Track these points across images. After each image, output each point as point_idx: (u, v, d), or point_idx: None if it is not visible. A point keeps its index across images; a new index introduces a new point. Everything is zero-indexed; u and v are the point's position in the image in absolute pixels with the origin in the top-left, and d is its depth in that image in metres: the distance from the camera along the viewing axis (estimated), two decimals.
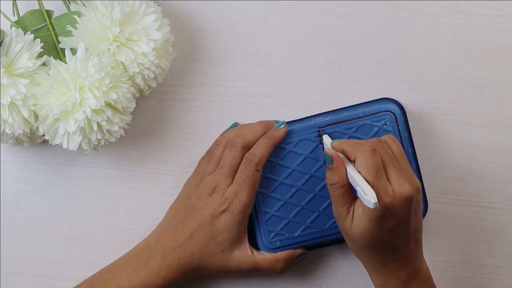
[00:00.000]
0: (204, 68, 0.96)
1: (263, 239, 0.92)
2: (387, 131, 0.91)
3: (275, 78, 0.96)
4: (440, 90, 0.97)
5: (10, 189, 0.95)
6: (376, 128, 0.91)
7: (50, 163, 0.95)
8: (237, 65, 0.96)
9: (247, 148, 0.90)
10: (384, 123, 0.91)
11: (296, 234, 0.92)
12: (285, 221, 0.92)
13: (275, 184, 0.92)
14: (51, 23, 0.89)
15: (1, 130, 0.85)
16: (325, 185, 0.91)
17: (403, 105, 0.94)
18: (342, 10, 0.96)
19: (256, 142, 0.90)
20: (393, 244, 0.84)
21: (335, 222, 0.91)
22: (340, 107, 0.95)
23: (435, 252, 0.96)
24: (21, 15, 0.89)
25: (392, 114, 0.92)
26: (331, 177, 0.84)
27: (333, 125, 0.92)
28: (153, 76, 0.88)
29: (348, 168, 0.84)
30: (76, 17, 0.87)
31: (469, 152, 0.96)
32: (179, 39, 0.95)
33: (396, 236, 0.84)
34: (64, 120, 0.85)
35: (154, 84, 0.90)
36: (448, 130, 0.96)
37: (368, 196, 0.81)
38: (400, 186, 0.83)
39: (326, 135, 0.89)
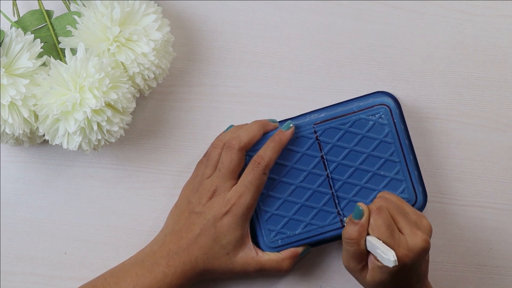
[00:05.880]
0: (204, 68, 0.96)
1: (264, 238, 0.92)
2: (383, 124, 0.91)
3: (275, 78, 0.96)
4: (440, 90, 0.97)
5: (10, 189, 0.95)
6: (371, 122, 0.91)
7: (50, 163, 0.95)
8: (237, 65, 0.96)
9: (244, 149, 0.89)
10: (379, 116, 0.92)
11: (297, 232, 0.92)
12: (286, 219, 0.92)
13: (273, 183, 0.92)
14: (51, 23, 0.89)
15: (1, 130, 0.85)
16: (323, 181, 0.91)
17: (398, 98, 0.94)
18: (342, 10, 0.96)
19: (253, 142, 0.90)
20: (408, 284, 0.85)
21: (335, 217, 0.92)
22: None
23: (435, 252, 0.96)
24: (21, 15, 0.89)
25: (387, 107, 0.92)
26: (351, 231, 0.84)
27: (328, 121, 0.92)
28: (153, 76, 0.88)
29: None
30: (76, 17, 0.87)
31: (469, 152, 0.96)
32: (179, 39, 0.95)
33: (410, 278, 0.85)
34: (64, 120, 0.85)
35: (154, 84, 0.90)
36: (448, 130, 0.96)
37: (387, 255, 0.81)
38: (413, 236, 0.83)
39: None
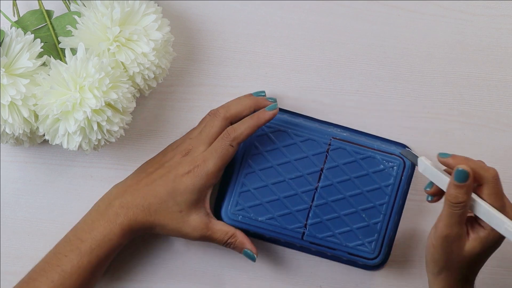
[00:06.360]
0: (204, 68, 0.96)
1: (229, 207, 0.92)
2: (390, 175, 0.91)
3: (275, 78, 0.96)
4: (440, 90, 0.97)
5: (10, 189, 0.95)
6: (382, 166, 0.91)
7: (50, 163, 0.95)
8: (237, 65, 0.96)
9: (229, 119, 0.90)
10: (391, 166, 0.91)
11: (260, 219, 0.91)
12: (257, 202, 0.92)
13: (267, 164, 0.92)
14: (51, 23, 0.89)
15: (1, 130, 0.85)
16: (310, 190, 0.91)
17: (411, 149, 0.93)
18: (342, 10, 0.96)
19: (240, 115, 0.91)
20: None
21: (299, 227, 0.91)
22: (343, 109, 0.95)
23: None
24: (21, 15, 0.89)
25: (403, 163, 0.91)
26: (459, 195, 0.80)
27: (346, 142, 0.91)
28: (153, 76, 0.88)
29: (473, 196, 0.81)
30: (76, 17, 0.87)
31: (469, 152, 0.96)
32: (179, 39, 0.95)
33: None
34: (64, 120, 0.85)
35: (154, 84, 0.90)
36: (448, 130, 0.96)
37: None
38: None
39: (424, 157, 0.84)
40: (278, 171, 0.92)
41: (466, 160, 0.82)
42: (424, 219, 0.96)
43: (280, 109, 0.94)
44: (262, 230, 0.92)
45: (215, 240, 0.90)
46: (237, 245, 0.91)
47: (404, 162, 0.91)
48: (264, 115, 0.90)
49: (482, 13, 0.97)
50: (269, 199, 0.92)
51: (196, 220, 0.89)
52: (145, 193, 0.89)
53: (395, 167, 0.91)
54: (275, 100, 0.92)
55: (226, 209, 0.92)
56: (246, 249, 0.91)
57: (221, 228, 0.90)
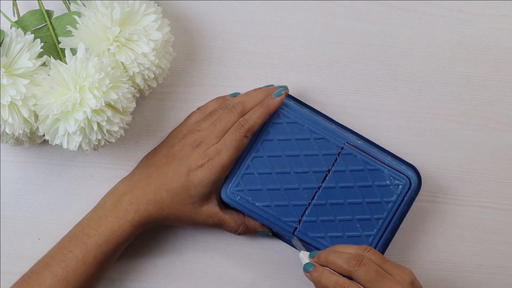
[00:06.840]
0: (204, 68, 0.96)
1: (229, 185, 0.91)
2: (393, 192, 0.91)
3: (275, 78, 0.96)
4: (440, 90, 0.97)
5: (10, 189, 0.95)
6: (387, 182, 0.91)
7: (50, 163, 0.95)
8: (237, 65, 0.96)
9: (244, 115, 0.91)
10: (397, 184, 0.91)
11: (256, 204, 0.91)
12: (258, 187, 0.91)
13: (277, 152, 0.91)
14: (51, 23, 0.89)
15: (1, 130, 0.85)
16: (311, 188, 0.91)
17: (420, 173, 0.94)
18: (342, 10, 0.96)
19: None
20: None
21: (293, 222, 0.91)
22: (343, 109, 0.95)
23: (435, 252, 0.96)
24: (21, 15, 0.89)
25: (409, 184, 0.91)
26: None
27: (358, 150, 0.91)
28: (153, 76, 0.88)
29: None
30: (76, 17, 0.87)
31: (469, 152, 0.96)
32: (179, 39, 0.95)
33: None
34: (64, 120, 0.85)
35: (154, 84, 0.90)
36: (448, 130, 0.96)
37: None
38: None
39: (303, 252, 0.89)
40: (286, 162, 0.92)
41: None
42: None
43: (303, 103, 0.94)
44: (255, 215, 0.92)
45: (226, 229, 0.92)
46: (250, 231, 0.93)
47: (410, 184, 0.91)
48: (274, 101, 0.90)
49: (482, 13, 0.97)
50: (270, 187, 0.92)
51: (207, 210, 0.90)
52: (156, 188, 0.89)
53: (400, 186, 0.91)
54: (286, 88, 0.92)
55: (227, 186, 0.92)
56: (259, 232, 0.93)
57: (231, 217, 0.91)
